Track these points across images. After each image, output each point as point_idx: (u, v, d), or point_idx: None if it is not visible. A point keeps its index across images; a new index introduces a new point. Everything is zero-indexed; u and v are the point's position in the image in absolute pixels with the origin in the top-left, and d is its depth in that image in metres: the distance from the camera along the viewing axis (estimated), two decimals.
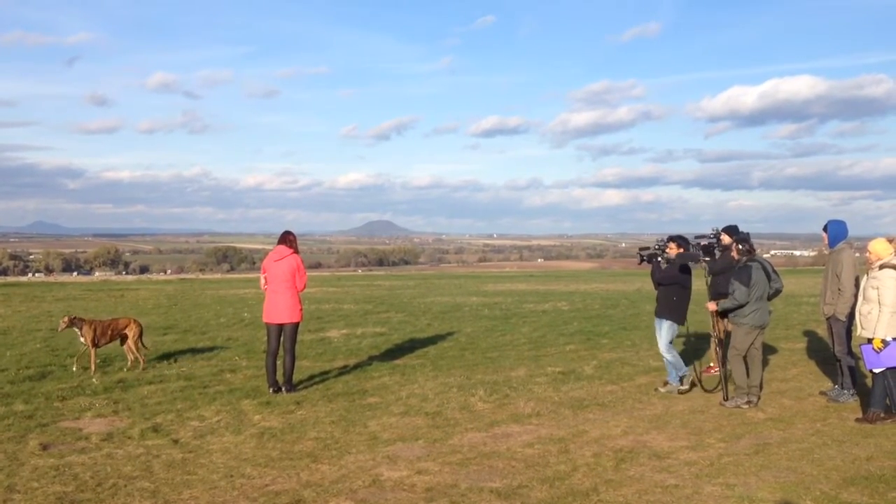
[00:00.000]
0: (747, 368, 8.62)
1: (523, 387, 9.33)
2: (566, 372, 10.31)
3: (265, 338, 9.80)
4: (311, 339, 13.39)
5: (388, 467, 6.21)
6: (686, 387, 9.15)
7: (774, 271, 8.68)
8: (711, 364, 10.28)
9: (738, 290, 8.35)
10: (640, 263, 9.71)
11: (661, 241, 9.41)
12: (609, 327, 15.40)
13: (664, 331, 9.22)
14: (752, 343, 8.53)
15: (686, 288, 9.20)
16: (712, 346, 9.61)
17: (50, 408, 8.12)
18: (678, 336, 9.55)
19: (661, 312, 9.27)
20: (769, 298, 8.66)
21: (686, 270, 9.20)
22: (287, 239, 9.29)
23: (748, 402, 8.37)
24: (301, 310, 9.31)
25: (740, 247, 8.63)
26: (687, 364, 9.42)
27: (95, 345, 10.14)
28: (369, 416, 7.85)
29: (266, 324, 9.29)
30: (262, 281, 9.30)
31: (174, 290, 27.00)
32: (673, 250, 9.18)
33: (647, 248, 9.57)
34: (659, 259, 9.35)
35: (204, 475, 5.99)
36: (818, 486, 5.81)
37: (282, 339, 9.19)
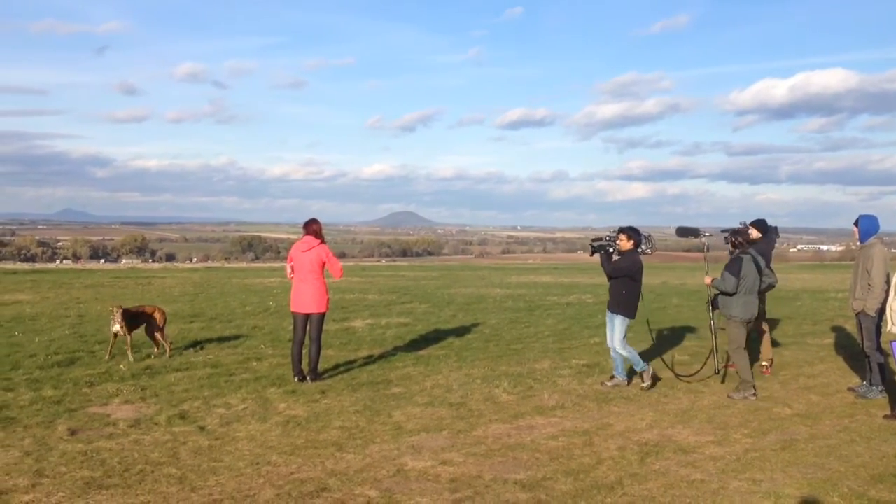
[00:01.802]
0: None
1: (547, 379, 9.32)
2: (591, 364, 10.28)
3: (291, 326, 9.84)
4: (335, 328, 13.44)
5: (412, 457, 6.23)
6: (648, 382, 8.95)
7: (768, 267, 8.93)
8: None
9: (727, 280, 8.55)
10: (591, 255, 9.45)
11: (613, 232, 9.19)
12: (634, 320, 15.24)
13: (617, 326, 9.05)
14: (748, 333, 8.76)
15: (636, 281, 8.96)
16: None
17: (78, 393, 8.24)
18: (656, 329, 9.37)
19: (612, 306, 9.10)
20: (763, 292, 8.90)
21: (637, 263, 8.97)
22: (313, 229, 9.30)
23: (755, 395, 8.50)
24: (328, 300, 9.36)
25: (734, 239, 8.82)
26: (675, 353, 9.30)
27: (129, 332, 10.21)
28: (394, 406, 7.88)
29: (293, 313, 9.35)
30: (289, 270, 9.34)
31: (200, 279, 27.19)
32: (624, 242, 8.97)
33: (600, 239, 9.32)
34: (611, 251, 9.14)
35: (230, 462, 6.05)
36: (845, 482, 5.76)
37: (308, 328, 9.25)
